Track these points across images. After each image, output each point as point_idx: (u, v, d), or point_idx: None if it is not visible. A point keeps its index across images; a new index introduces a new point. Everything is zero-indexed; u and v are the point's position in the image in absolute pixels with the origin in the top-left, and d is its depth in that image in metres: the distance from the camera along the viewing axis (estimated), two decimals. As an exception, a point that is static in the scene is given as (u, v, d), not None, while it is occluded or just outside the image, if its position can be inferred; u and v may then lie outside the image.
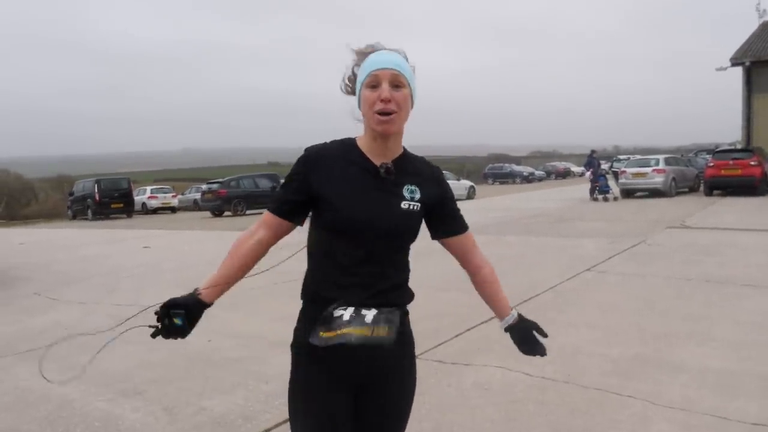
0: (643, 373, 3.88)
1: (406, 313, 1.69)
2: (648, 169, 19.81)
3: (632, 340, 4.63)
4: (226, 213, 23.96)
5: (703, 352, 4.26)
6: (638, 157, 23.10)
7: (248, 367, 4.43)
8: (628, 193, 20.44)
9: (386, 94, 1.53)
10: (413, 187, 1.64)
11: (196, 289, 1.63)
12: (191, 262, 10.34)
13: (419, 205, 1.63)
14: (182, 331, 1.60)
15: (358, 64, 1.63)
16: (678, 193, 20.30)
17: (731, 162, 18.44)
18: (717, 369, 3.91)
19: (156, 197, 31.54)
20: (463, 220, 1.77)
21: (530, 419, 3.27)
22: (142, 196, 31.48)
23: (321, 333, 1.52)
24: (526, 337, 1.75)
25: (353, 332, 1.50)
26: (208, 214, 24.99)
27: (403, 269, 1.68)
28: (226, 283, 1.65)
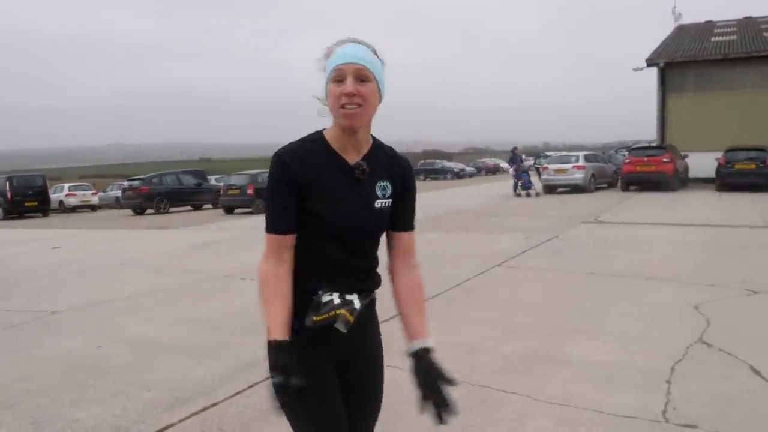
0: (531, 369, 3.92)
1: (375, 296, 1.78)
2: (568, 166, 20.41)
3: (528, 335, 4.67)
4: (149, 211, 23.18)
5: (593, 347, 4.34)
6: (559, 153, 23.75)
7: (133, 374, 4.21)
8: (549, 189, 20.99)
9: (350, 88, 1.54)
10: (385, 183, 1.69)
11: (273, 341, 1.57)
12: (100, 263, 9.88)
13: (390, 201, 1.71)
14: (302, 389, 1.54)
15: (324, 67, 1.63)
16: (597, 189, 21.01)
17: (646, 159, 19.21)
18: (602, 363, 3.98)
19: (75, 195, 30.13)
20: (414, 219, 1.81)
21: (411, 420, 3.22)
22: (60, 193, 30.05)
23: (313, 317, 1.58)
24: (431, 382, 1.62)
25: (345, 314, 1.59)
26: (130, 212, 24.09)
27: (375, 258, 1.74)
28: (286, 317, 1.60)
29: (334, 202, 1.61)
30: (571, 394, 3.48)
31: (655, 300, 5.61)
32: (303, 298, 1.63)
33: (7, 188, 25.41)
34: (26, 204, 25.76)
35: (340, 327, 1.60)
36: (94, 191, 31.60)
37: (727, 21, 28.23)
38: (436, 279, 6.79)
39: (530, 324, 5.00)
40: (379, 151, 1.72)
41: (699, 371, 3.77)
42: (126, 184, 25.27)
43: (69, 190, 30.47)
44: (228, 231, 13.94)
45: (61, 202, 29.61)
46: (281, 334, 1.57)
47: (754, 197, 16.18)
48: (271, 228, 1.63)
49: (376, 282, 1.76)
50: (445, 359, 1.77)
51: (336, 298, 1.61)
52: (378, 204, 1.68)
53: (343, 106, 1.56)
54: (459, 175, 47.28)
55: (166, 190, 23.47)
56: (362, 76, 1.56)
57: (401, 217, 1.76)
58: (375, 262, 1.75)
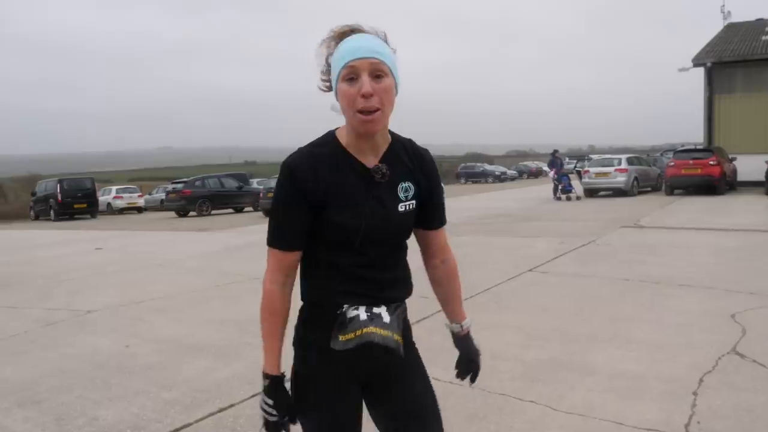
0: (552, 378, 3.83)
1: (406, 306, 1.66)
2: (610, 169, 19.97)
3: (552, 343, 4.57)
4: (191, 213, 23.66)
5: (618, 355, 4.21)
6: (602, 156, 23.28)
7: (157, 374, 4.29)
8: (591, 193, 20.59)
9: (367, 88, 1.37)
10: (407, 184, 1.54)
11: (270, 376, 1.53)
12: (138, 264, 10.12)
13: (414, 202, 1.56)
14: (281, 424, 1.55)
15: (332, 53, 1.45)
16: (640, 193, 20.50)
17: (691, 162, 18.64)
18: (627, 372, 3.86)
19: (121, 197, 31.05)
20: (445, 213, 1.70)
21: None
22: (108, 196, 31.00)
23: (340, 337, 1.46)
24: (470, 355, 1.78)
25: (377, 332, 1.46)
26: (173, 214, 24.64)
27: (403, 265, 1.62)
28: (281, 348, 1.56)
29: (353, 211, 1.46)
30: (592, 404, 3.38)
31: (689, 308, 5.42)
32: (314, 312, 1.54)
33: (58, 191, 26.35)
34: (75, 206, 26.66)
35: (390, 344, 1.48)
36: (140, 194, 32.48)
37: (780, 18, 27.19)
38: (466, 283, 6.62)
39: (556, 331, 4.89)
40: (399, 149, 1.55)
41: (728, 383, 3.61)
42: (170, 187, 25.86)
43: (116, 193, 31.42)
44: (265, 234, 14.04)
45: (108, 204, 30.52)
46: (278, 368, 1.52)
47: (807, 202, 15.53)
48: (274, 243, 1.51)
49: (407, 291, 1.61)
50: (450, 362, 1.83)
51: (362, 314, 1.47)
52: (402, 207, 1.53)
53: (360, 111, 1.38)
54: (500, 179, 46.78)
55: (209, 193, 23.91)
56: (378, 71, 1.38)
57: (431, 215, 1.63)
58: (403, 270, 1.61)
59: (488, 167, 50.22)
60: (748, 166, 20.34)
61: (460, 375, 1.79)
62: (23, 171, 50.90)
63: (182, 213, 23.93)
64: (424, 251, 1.72)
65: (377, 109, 1.39)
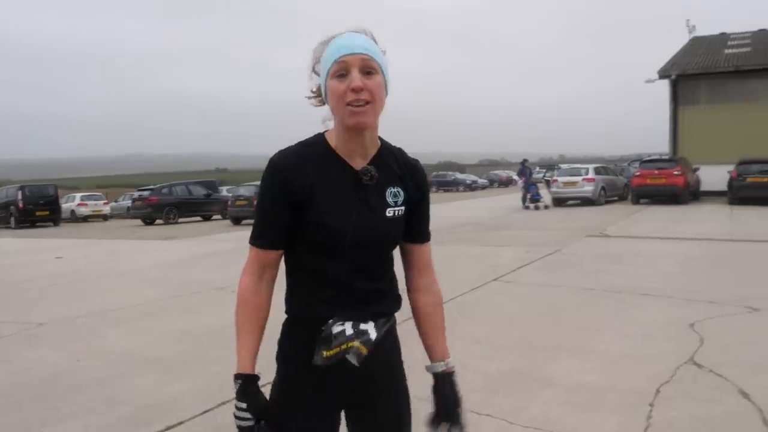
0: (512, 390, 3.78)
1: (395, 320, 1.56)
2: (578, 178, 20.21)
3: (514, 353, 4.54)
4: (158, 221, 23.27)
5: (579, 366, 4.19)
6: (570, 166, 23.55)
7: (107, 389, 4.13)
8: (559, 202, 20.80)
9: (357, 82, 1.34)
10: (396, 189, 1.49)
11: (242, 375, 1.44)
12: (98, 274, 9.87)
13: (403, 209, 1.50)
14: (257, 429, 1.43)
15: (319, 60, 1.43)
16: (608, 202, 20.77)
17: (656, 171, 18.96)
18: (586, 384, 3.83)
19: (86, 204, 30.34)
20: (429, 228, 1.62)
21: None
22: (72, 203, 30.29)
23: (324, 353, 1.40)
24: (450, 406, 1.56)
25: (359, 346, 1.40)
26: (139, 222, 24.20)
27: (391, 277, 1.54)
28: (257, 348, 1.47)
29: (340, 213, 1.41)
30: (549, 417, 3.34)
31: (650, 317, 5.44)
32: (298, 325, 1.48)
33: (19, 198, 25.66)
34: (37, 213, 25.96)
35: (352, 359, 1.40)
36: (106, 201, 31.82)
37: (742, 33, 27.89)
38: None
39: (519, 341, 4.86)
40: (388, 154, 1.51)
41: (685, 394, 3.61)
42: (136, 194, 25.41)
43: (81, 200, 30.70)
44: (231, 242, 13.89)
45: (72, 211, 29.82)
46: (251, 367, 1.44)
47: (766, 211, 15.87)
48: (255, 241, 1.46)
49: (395, 305, 1.54)
50: (423, 376, 1.66)
51: (349, 328, 1.41)
52: (390, 212, 1.47)
53: (349, 104, 1.35)
54: (471, 187, 47.07)
55: (175, 200, 23.56)
56: (368, 68, 1.37)
57: (418, 227, 1.56)
58: (390, 282, 1.54)
59: (459, 176, 50.52)
60: (711, 176, 20.78)
61: (446, 419, 1.58)
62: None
63: (148, 221, 23.52)
64: (408, 269, 1.62)
65: (367, 102, 1.36)
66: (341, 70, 1.36)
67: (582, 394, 3.66)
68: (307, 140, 1.48)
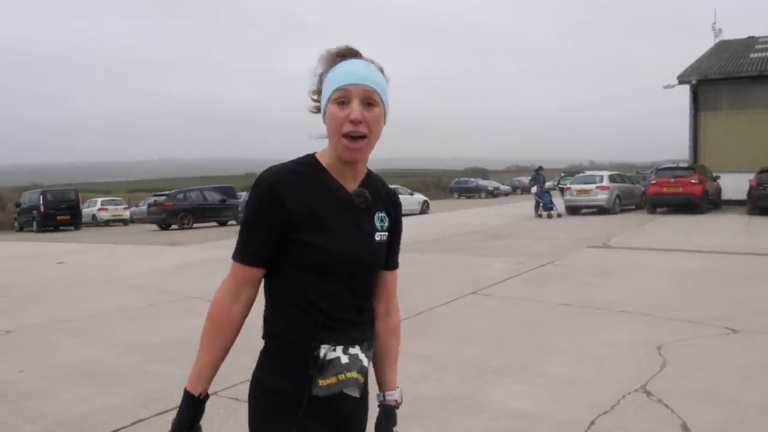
0: (436, 417, 3.56)
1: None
2: (592, 186, 19.71)
3: (456, 375, 4.31)
4: (173, 226, 23.44)
5: (518, 391, 3.94)
6: (584, 173, 23.02)
7: (30, 404, 4.03)
8: (573, 210, 20.30)
9: (357, 114, 1.35)
10: (383, 215, 1.51)
11: (185, 392, 1.43)
12: (87, 280, 9.89)
13: (387, 234, 1.51)
14: None
15: (325, 73, 1.42)
16: (623, 210, 20.23)
17: (673, 180, 18.38)
18: (517, 411, 3.59)
19: (106, 209, 30.81)
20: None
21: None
22: (92, 208, 30.79)
23: (320, 382, 1.36)
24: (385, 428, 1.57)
25: (357, 377, 1.40)
26: (156, 227, 24.41)
27: (371, 303, 1.54)
28: (214, 368, 1.45)
29: (332, 234, 1.39)
30: (463, 448, 3.12)
31: (616, 337, 5.15)
32: (282, 352, 1.41)
33: (41, 202, 26.17)
34: (58, 218, 26.45)
35: (353, 393, 1.40)
36: (126, 206, 32.26)
37: (771, 36, 27.05)
38: (403, 305, 6.43)
39: (468, 360, 4.63)
40: (375, 180, 1.53)
41: (621, 427, 3.34)
42: (152, 199, 25.66)
43: (101, 205, 31.19)
44: (231, 248, 13.81)
45: (93, 216, 30.29)
46: (198, 385, 1.42)
47: (787, 222, 15.26)
48: (238, 256, 1.42)
49: (372, 330, 1.54)
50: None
51: (343, 356, 1.38)
52: (378, 237, 1.48)
53: (346, 135, 1.35)
54: (494, 194, 46.53)
55: (190, 206, 23.71)
56: (370, 100, 1.36)
57: (391, 254, 1.56)
58: (371, 306, 1.53)
59: (482, 182, 49.98)
60: (733, 185, 20.11)
61: None
62: (25, 181, 51.03)
63: (164, 226, 23.72)
64: (377, 296, 1.58)
65: (364, 136, 1.36)
66: (342, 98, 1.36)
67: (508, 423, 3.43)
68: (299, 159, 1.46)
